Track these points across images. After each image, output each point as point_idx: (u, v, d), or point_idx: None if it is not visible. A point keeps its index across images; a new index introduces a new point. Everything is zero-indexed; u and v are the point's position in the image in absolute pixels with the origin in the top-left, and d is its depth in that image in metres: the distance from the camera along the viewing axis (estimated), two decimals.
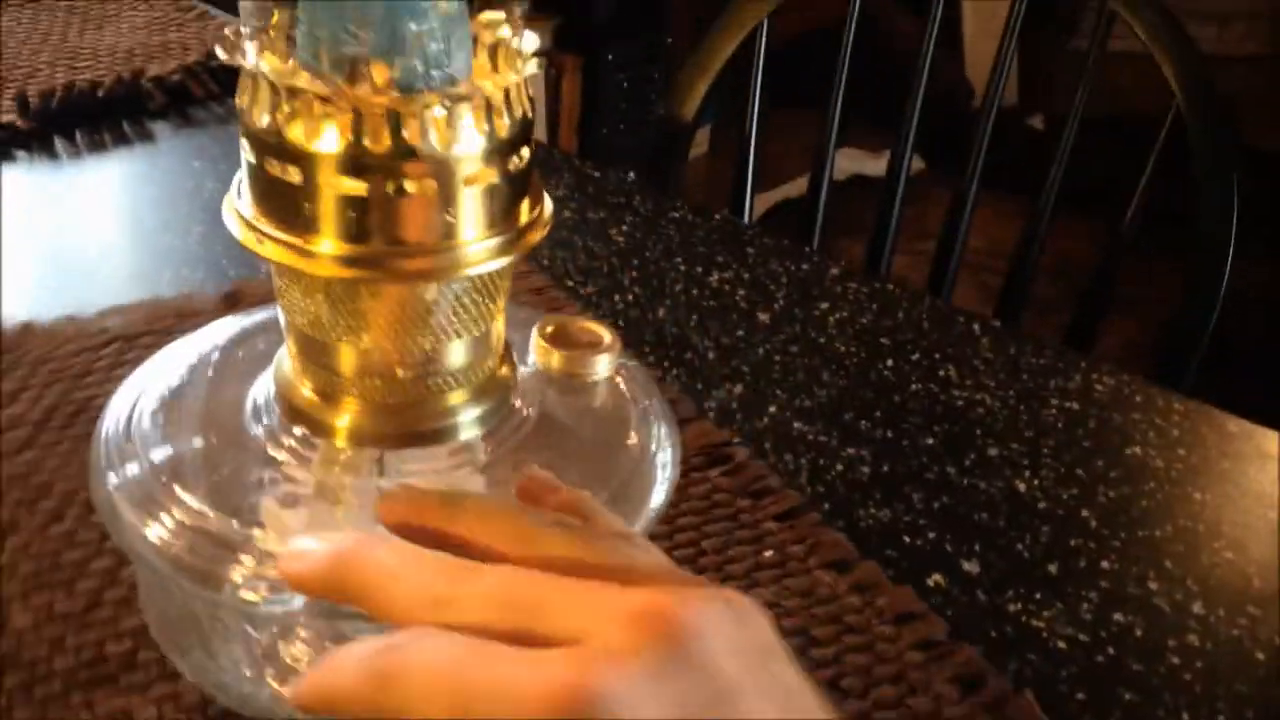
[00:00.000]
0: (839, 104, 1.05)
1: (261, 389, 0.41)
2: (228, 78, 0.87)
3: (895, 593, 0.51)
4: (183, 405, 0.42)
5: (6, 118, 0.81)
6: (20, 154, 0.81)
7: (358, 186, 0.34)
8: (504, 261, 0.37)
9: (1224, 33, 2.79)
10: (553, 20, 2.65)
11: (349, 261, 0.35)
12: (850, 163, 2.78)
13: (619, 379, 0.46)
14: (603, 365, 0.44)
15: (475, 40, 0.37)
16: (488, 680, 0.27)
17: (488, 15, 0.37)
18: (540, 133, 2.66)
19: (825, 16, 1.48)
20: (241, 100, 0.35)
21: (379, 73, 0.34)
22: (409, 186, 0.34)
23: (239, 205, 0.36)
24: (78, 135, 0.83)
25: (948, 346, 0.68)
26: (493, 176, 0.36)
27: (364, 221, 0.35)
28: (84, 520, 0.50)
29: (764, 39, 1.04)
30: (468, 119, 0.35)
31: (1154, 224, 0.97)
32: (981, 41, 2.82)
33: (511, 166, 0.37)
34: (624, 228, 0.77)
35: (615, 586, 0.29)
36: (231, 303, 0.64)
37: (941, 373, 0.66)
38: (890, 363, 0.67)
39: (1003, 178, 1.03)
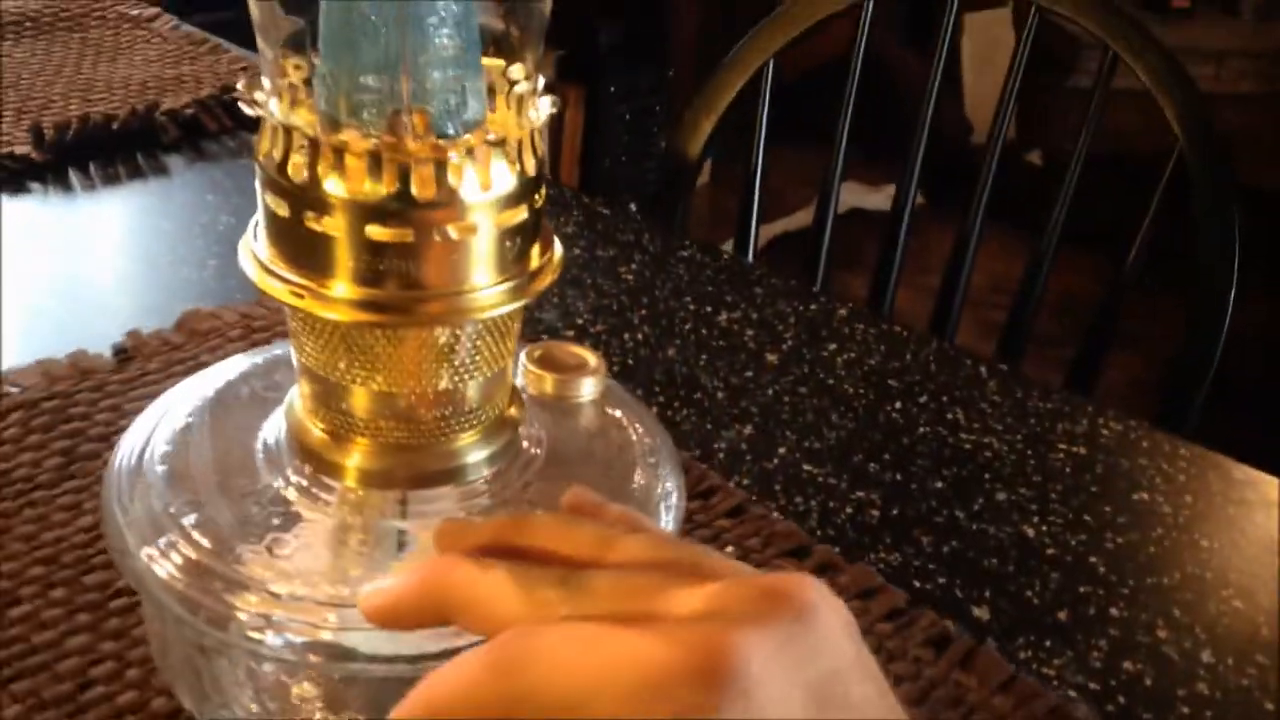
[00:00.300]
0: (844, 140, 1.06)
1: (273, 427, 0.41)
2: (241, 111, 0.87)
3: (854, 570, 0.54)
4: (195, 442, 0.42)
5: (21, 149, 0.81)
6: (35, 185, 0.81)
7: (392, 233, 0.34)
8: (519, 304, 0.37)
9: (1221, 71, 2.81)
10: (555, 52, 2.67)
11: (366, 305, 0.35)
12: (850, 196, 2.79)
13: (606, 399, 0.46)
14: (590, 387, 0.45)
15: (492, 87, 0.37)
16: (622, 650, 0.27)
17: (502, 63, 0.37)
18: (543, 165, 2.66)
19: (825, 53, 1.49)
20: (270, 151, 0.35)
21: (419, 121, 0.34)
22: (446, 231, 0.35)
23: (255, 248, 0.37)
24: (92, 168, 0.83)
25: (955, 389, 0.68)
26: (519, 217, 0.36)
27: (384, 266, 0.35)
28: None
29: (770, 80, 1.05)
30: (500, 163, 0.35)
31: (1157, 261, 0.97)
32: (980, 77, 2.83)
33: (533, 208, 0.37)
34: (633, 266, 0.78)
35: (731, 573, 0.29)
36: (125, 358, 0.62)
37: (949, 416, 0.66)
38: (898, 405, 0.67)
39: (1002, 213, 1.04)
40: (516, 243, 0.37)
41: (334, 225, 0.35)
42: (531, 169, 0.37)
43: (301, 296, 0.35)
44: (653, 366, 0.68)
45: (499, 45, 0.37)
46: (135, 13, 1.03)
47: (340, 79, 0.35)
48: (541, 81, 0.38)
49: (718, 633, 0.27)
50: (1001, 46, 2.88)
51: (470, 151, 0.35)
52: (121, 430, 0.56)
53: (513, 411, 0.42)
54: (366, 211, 0.34)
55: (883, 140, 1.13)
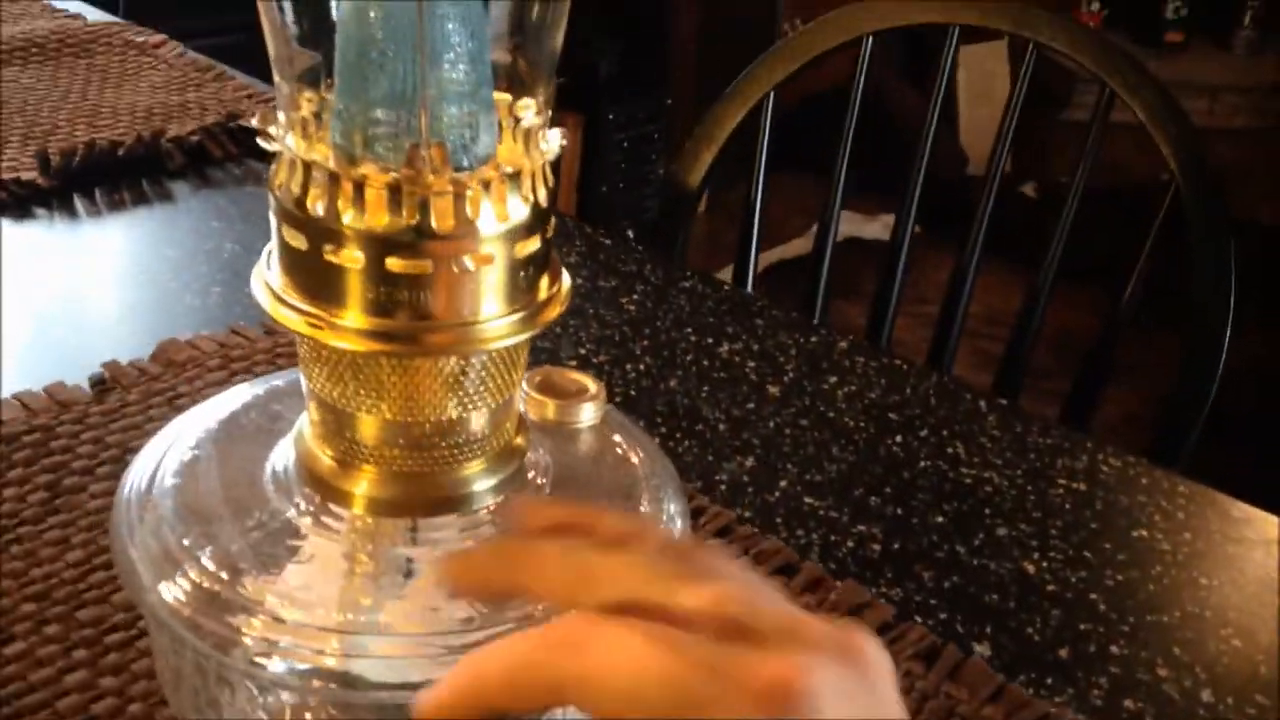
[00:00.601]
0: (843, 170, 1.06)
1: (282, 454, 0.41)
2: (246, 138, 0.87)
3: (843, 587, 0.55)
4: (202, 472, 0.42)
5: (27, 175, 0.81)
6: (40, 211, 0.81)
7: (410, 265, 0.35)
8: (528, 335, 0.38)
9: (1215, 106, 2.83)
10: (555, 79, 2.67)
11: (379, 336, 0.35)
12: (847, 225, 2.80)
13: (606, 424, 0.46)
14: (592, 412, 0.45)
15: (500, 121, 0.37)
16: (691, 657, 0.28)
17: (509, 97, 0.38)
18: None
19: (825, 81, 1.50)
20: (287, 184, 0.35)
21: (437, 155, 0.35)
22: (463, 262, 0.35)
23: (268, 277, 0.37)
24: (97, 194, 0.83)
25: (955, 423, 0.69)
26: (531, 248, 0.37)
27: (398, 297, 0.35)
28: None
29: (769, 112, 1.06)
30: (514, 195, 0.36)
31: (1153, 296, 0.98)
32: (975, 110, 2.85)
33: (545, 239, 0.38)
34: (635, 297, 0.78)
35: (802, 617, 0.31)
36: (104, 389, 0.62)
37: (950, 450, 0.66)
38: (899, 439, 0.67)
39: (999, 245, 1.05)
40: (528, 273, 0.37)
41: (351, 257, 0.35)
42: (544, 200, 0.37)
43: (318, 327, 0.35)
44: (654, 397, 0.68)
45: (508, 79, 0.38)
46: (141, 39, 1.04)
47: (355, 113, 0.35)
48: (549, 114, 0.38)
49: (791, 661, 0.29)
50: (997, 79, 2.90)
51: (486, 184, 0.35)
52: (104, 463, 0.56)
53: (519, 440, 0.42)
54: (385, 244, 0.35)
55: (880, 170, 1.14)
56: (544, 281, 0.38)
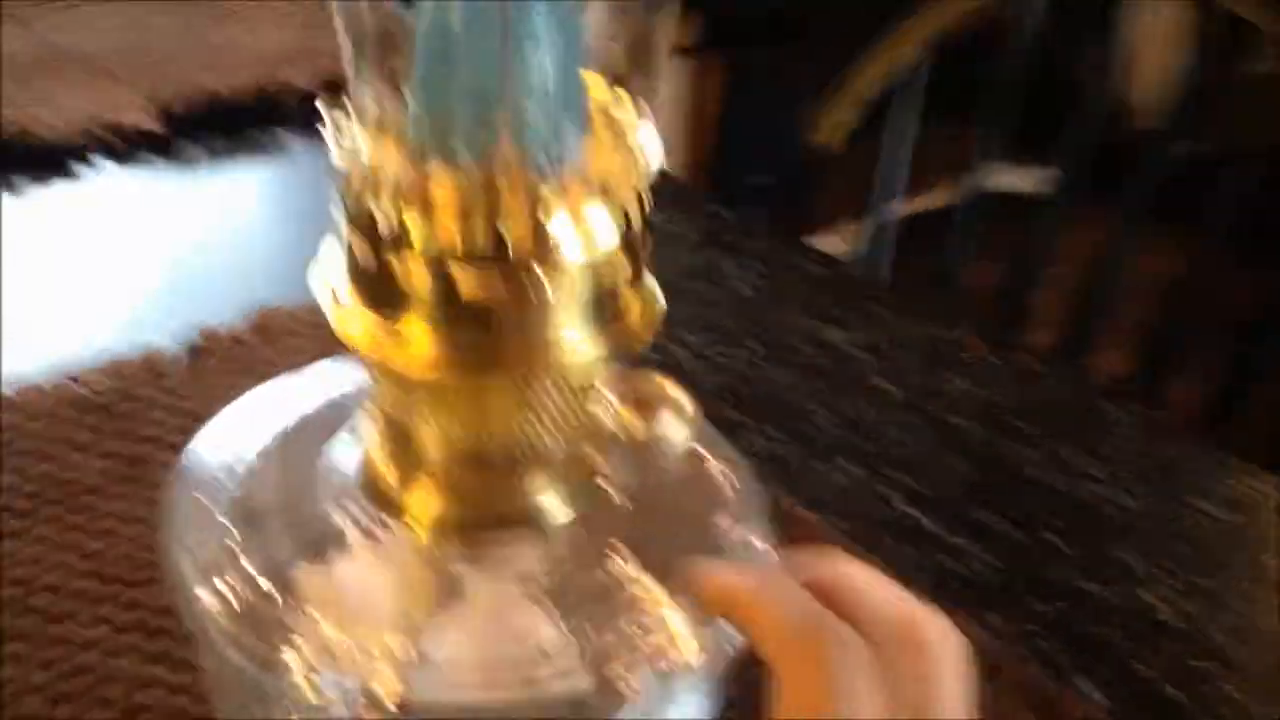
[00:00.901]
0: (990, 120, 1.00)
1: (344, 457, 0.39)
2: None
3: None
4: (258, 476, 0.40)
5: (145, 124, 0.81)
6: (150, 157, 0.80)
7: (481, 282, 0.32)
8: (607, 360, 0.35)
9: None
10: (698, 17, 2.63)
11: (448, 357, 0.33)
12: (993, 178, 2.68)
13: (695, 442, 0.43)
14: (680, 430, 0.42)
15: (594, 122, 0.34)
16: None
17: (609, 96, 0.34)
18: (677, 133, 2.65)
19: (975, 21, 1.42)
20: (357, 189, 0.33)
21: (516, 160, 0.32)
22: (539, 282, 0.32)
23: (334, 284, 0.35)
24: (208, 141, 0.82)
25: (1083, 432, 0.64)
26: (618, 271, 0.34)
27: (469, 315, 0.33)
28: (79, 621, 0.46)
29: (915, 70, 1.00)
30: (603, 213, 0.33)
31: None
32: (1147, 57, 2.69)
33: (635, 259, 0.34)
34: (750, 278, 0.74)
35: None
36: (195, 355, 0.61)
37: (1075, 462, 0.62)
38: (1020, 448, 0.62)
39: (1161, 206, 0.98)
40: (613, 295, 0.34)
41: (419, 271, 0.32)
42: (636, 218, 0.34)
43: (380, 346, 0.33)
44: (761, 391, 0.64)
45: (608, 73, 0.35)
46: None
47: (431, 112, 0.32)
48: (652, 118, 0.35)
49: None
50: (1172, 27, 2.73)
51: (570, 198, 0.32)
52: (184, 436, 0.55)
53: (594, 455, 0.39)
54: (456, 259, 0.32)
55: (1033, 118, 1.06)
56: (633, 304, 0.35)
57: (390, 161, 0.32)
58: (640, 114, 0.34)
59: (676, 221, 0.79)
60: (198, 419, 0.57)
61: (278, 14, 0.96)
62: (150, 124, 0.81)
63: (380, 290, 0.33)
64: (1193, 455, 0.63)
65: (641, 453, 0.42)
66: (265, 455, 0.41)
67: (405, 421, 0.36)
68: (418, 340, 0.33)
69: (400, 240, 0.32)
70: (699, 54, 2.68)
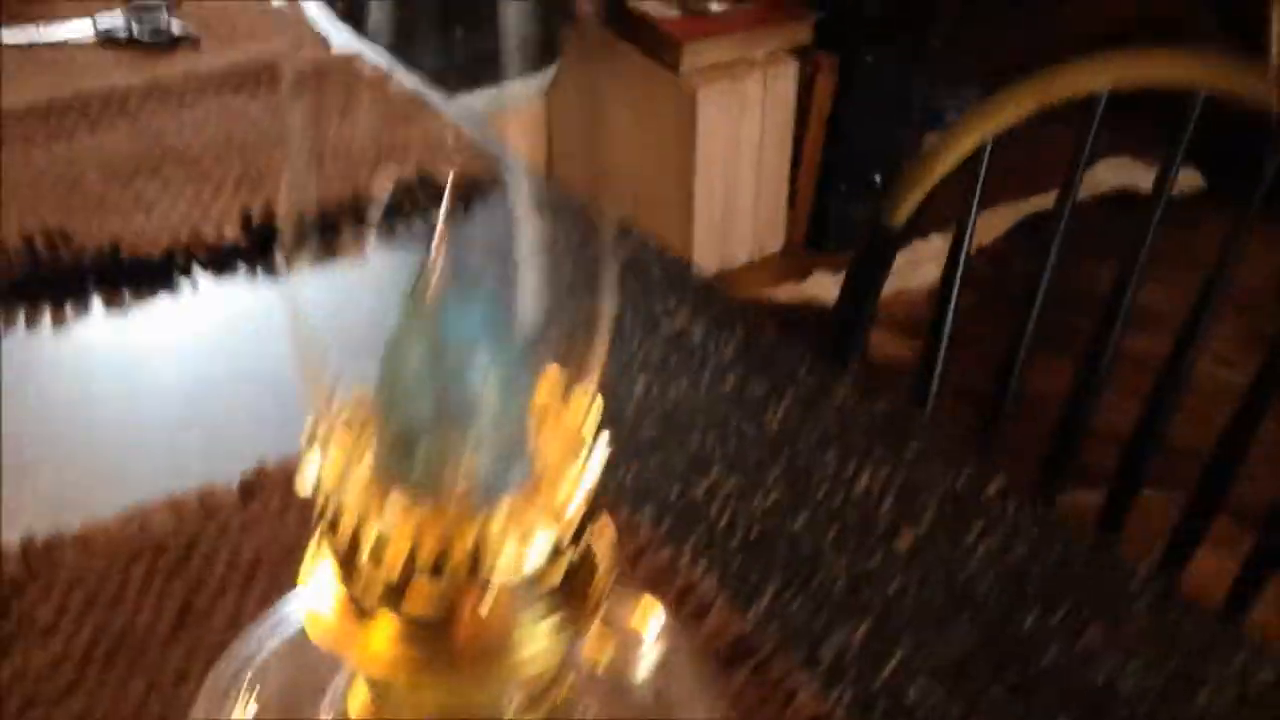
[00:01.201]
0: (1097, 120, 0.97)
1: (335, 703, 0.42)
2: (434, 193, 0.87)
3: None
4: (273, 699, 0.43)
5: (231, 235, 0.84)
6: (242, 267, 0.83)
7: (431, 599, 0.35)
8: (568, 646, 0.37)
9: None
10: (812, 16, 2.61)
11: (406, 661, 0.36)
12: (1116, 174, 2.57)
13: (666, 669, 0.45)
14: (653, 653, 0.44)
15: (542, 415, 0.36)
16: None
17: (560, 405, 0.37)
18: (787, 133, 2.64)
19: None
20: (326, 490, 0.36)
21: (465, 486, 0.34)
22: (487, 600, 0.35)
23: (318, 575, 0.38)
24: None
25: (1100, 601, 0.64)
26: (554, 578, 0.36)
27: (424, 629, 0.35)
28: None
29: (987, 163, 1.00)
30: (548, 532, 0.35)
31: None
32: None
33: (585, 565, 0.37)
34: (780, 406, 0.75)
35: None
36: (248, 494, 0.62)
37: (1086, 635, 0.62)
38: (1033, 614, 0.63)
39: None
40: (565, 594, 0.37)
41: (374, 587, 0.35)
42: (574, 525, 0.36)
43: (347, 645, 0.36)
44: (777, 538, 0.66)
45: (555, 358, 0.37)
46: (367, 73, 1.01)
47: (388, 444, 0.35)
48: (598, 410, 0.37)
49: None
50: None
51: (516, 519, 0.35)
52: (233, 582, 0.58)
53: (566, 693, 0.42)
54: (412, 577, 0.35)
55: (1164, 108, 1.01)
56: (591, 590, 0.37)
57: (350, 490, 0.35)
58: (589, 405, 0.36)
59: (713, 330, 0.80)
60: (240, 566, 0.61)
61: (371, 111, 0.98)
62: (238, 239, 0.84)
63: (348, 597, 0.36)
64: (1212, 632, 0.62)
65: (608, 681, 0.44)
66: (276, 685, 0.44)
67: (380, 692, 0.39)
68: (379, 641, 0.36)
69: (360, 557, 0.35)
70: (810, 54, 2.66)
